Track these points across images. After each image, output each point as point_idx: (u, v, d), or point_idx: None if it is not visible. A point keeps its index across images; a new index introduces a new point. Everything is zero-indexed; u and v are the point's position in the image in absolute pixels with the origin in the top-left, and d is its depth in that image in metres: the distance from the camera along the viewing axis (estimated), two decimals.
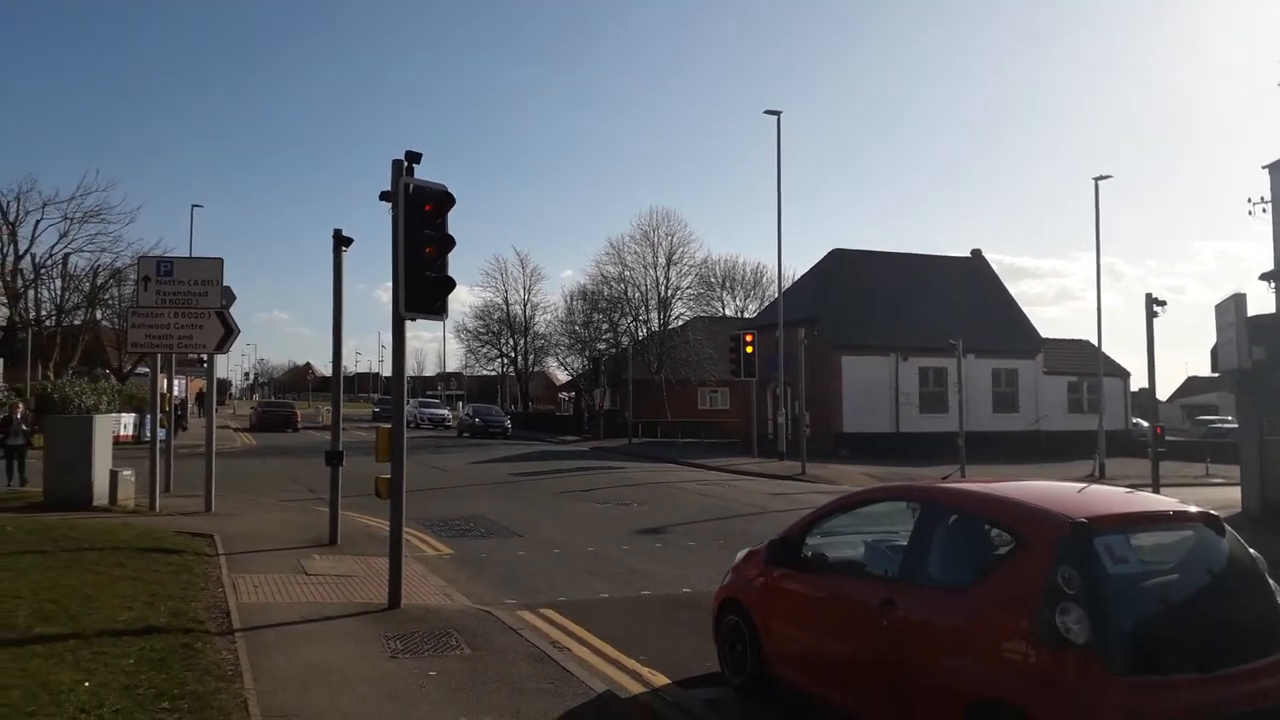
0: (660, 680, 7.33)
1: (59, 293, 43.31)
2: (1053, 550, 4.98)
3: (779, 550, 6.91)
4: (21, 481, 18.19)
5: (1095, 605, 4.74)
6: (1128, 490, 6.61)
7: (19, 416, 19.21)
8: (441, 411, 62.47)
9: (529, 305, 64.61)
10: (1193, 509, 5.53)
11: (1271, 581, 5.33)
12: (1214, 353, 20.05)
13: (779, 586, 6.86)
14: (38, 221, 40.48)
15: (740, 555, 7.64)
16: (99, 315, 45.53)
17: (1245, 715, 4.82)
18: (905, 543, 6.02)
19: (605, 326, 57.38)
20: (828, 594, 6.44)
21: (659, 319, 56.50)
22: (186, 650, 7.14)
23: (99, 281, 43.54)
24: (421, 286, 9.16)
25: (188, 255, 30.62)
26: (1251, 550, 5.44)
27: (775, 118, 32.11)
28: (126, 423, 35.36)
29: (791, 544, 6.84)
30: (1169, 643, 4.92)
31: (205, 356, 18.86)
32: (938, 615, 5.46)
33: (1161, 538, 5.51)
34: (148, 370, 24.11)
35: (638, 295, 56.61)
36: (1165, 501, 5.92)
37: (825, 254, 44.28)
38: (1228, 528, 5.45)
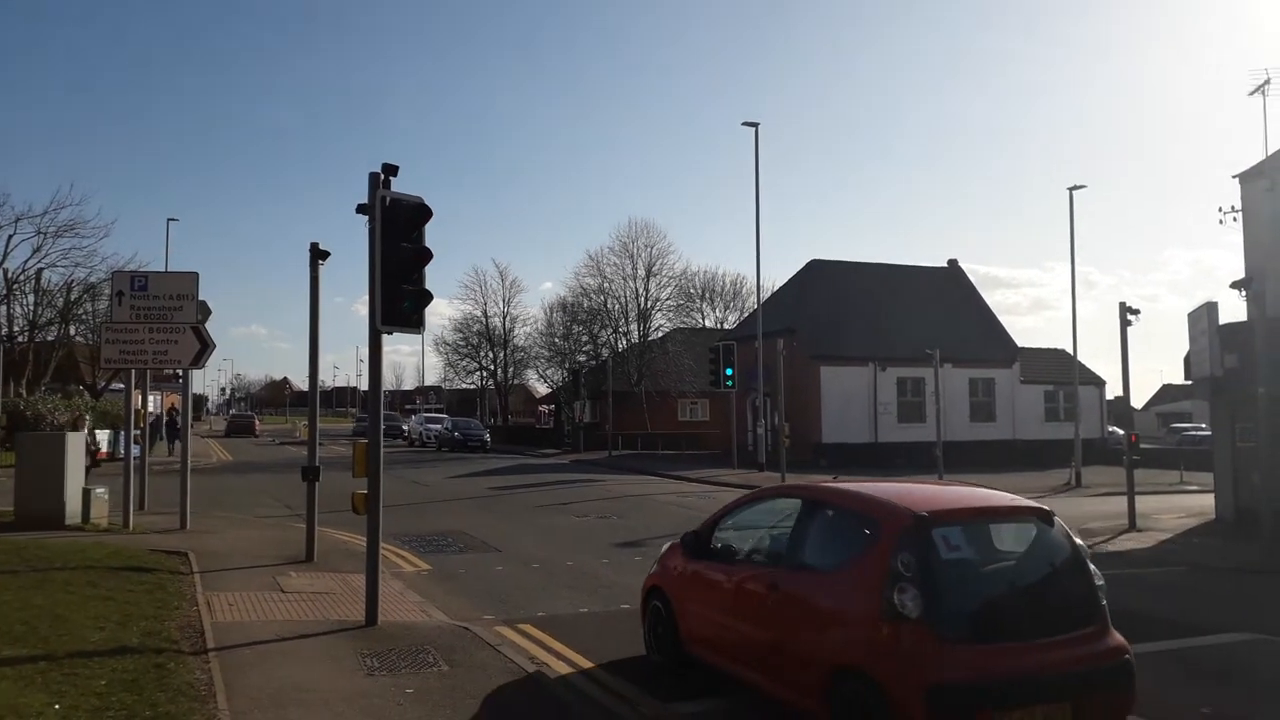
0: (639, 695, 7.30)
1: (31, 308, 42.77)
2: (896, 539, 5.83)
3: (692, 543, 7.88)
4: None
5: (927, 585, 5.60)
6: (981, 489, 7.30)
7: None
8: (435, 426, 53.82)
9: (508, 318, 64.62)
10: (1027, 504, 6.48)
11: (1092, 566, 6.20)
12: (1187, 361, 20.27)
13: (692, 575, 7.76)
14: (10, 236, 39.88)
15: (665, 547, 8.66)
16: (73, 331, 45.00)
17: (1062, 676, 5.62)
18: (790, 534, 6.89)
19: (585, 338, 57.40)
20: (730, 580, 7.26)
21: (639, 331, 56.59)
22: (159, 670, 7.04)
23: (73, 297, 43.04)
24: (399, 300, 9.11)
25: (163, 270, 30.45)
26: (1078, 540, 6.32)
27: (753, 129, 32.33)
28: (100, 439, 34.94)
29: (703, 537, 7.81)
30: (993, 616, 5.85)
31: (180, 372, 18.70)
32: (810, 595, 6.34)
33: (1000, 529, 6.41)
34: (122, 386, 23.84)
35: (617, 307, 56.72)
36: (1004, 498, 6.72)
37: (804, 265, 44.56)
38: (1058, 520, 6.30)
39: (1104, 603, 6.11)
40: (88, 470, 17.07)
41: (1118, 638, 6.06)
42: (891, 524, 5.99)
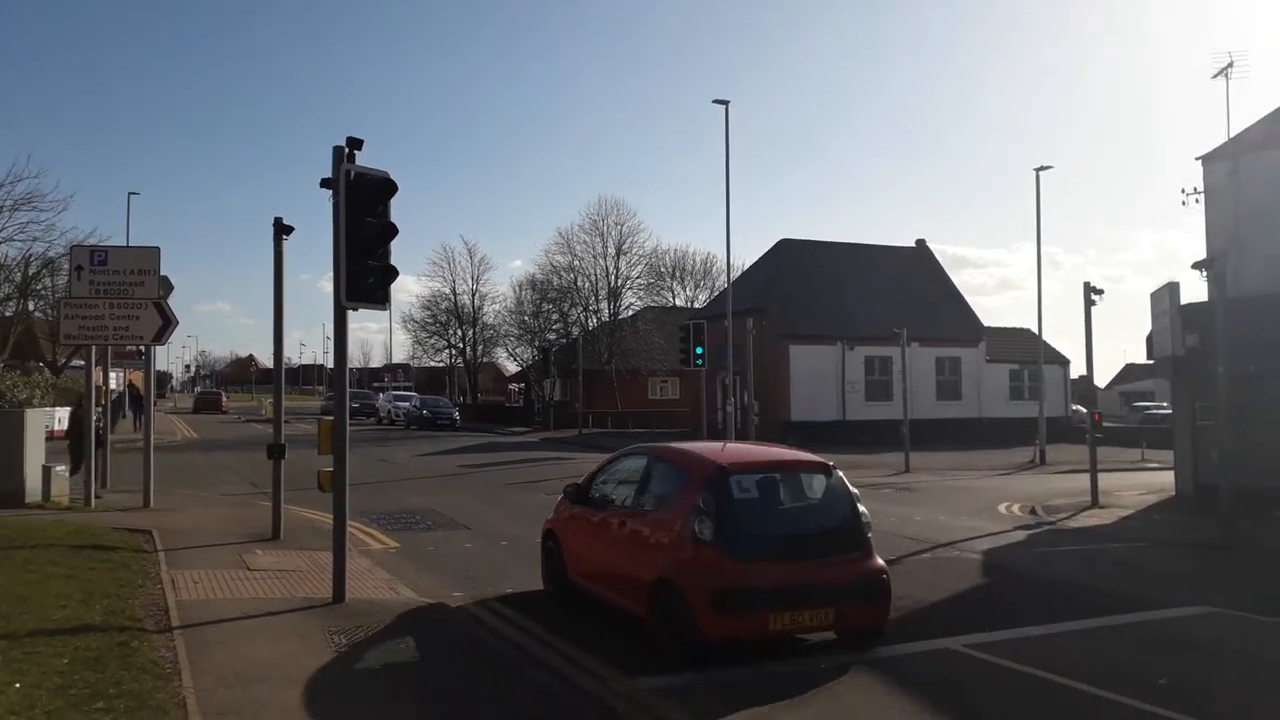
0: (607, 671, 7.32)
1: None
2: (701, 484, 7.77)
3: (574, 493, 9.72)
4: None
5: (720, 518, 7.49)
6: (782, 449, 9.46)
7: None
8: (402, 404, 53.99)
9: (477, 295, 64.08)
10: (812, 458, 8.47)
11: (861, 507, 8.06)
12: (1149, 340, 20.55)
13: (574, 519, 9.55)
14: None
15: (559, 497, 10.28)
16: (31, 306, 44.16)
17: (827, 587, 7.52)
18: (637, 483, 8.78)
19: (555, 317, 57.20)
20: (598, 521, 9.07)
21: (609, 309, 56.50)
22: (123, 649, 6.96)
23: (31, 271, 42.19)
24: (364, 276, 9.02)
25: (124, 244, 29.89)
26: (851, 487, 8.19)
27: (723, 107, 32.16)
28: (60, 417, 34.42)
29: (583, 488, 9.63)
30: (773, 541, 7.82)
31: (143, 348, 18.41)
32: (644, 529, 8.24)
33: (791, 477, 8.27)
34: (83, 363, 23.44)
35: (587, 285, 56.56)
36: (795, 454, 8.74)
37: (773, 244, 44.63)
38: (837, 472, 8.20)
39: (869, 535, 8.02)
40: (101, 453, 16.28)
41: (879, 562, 7.90)
42: (699, 473, 8.01)
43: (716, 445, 9.60)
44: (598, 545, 8.98)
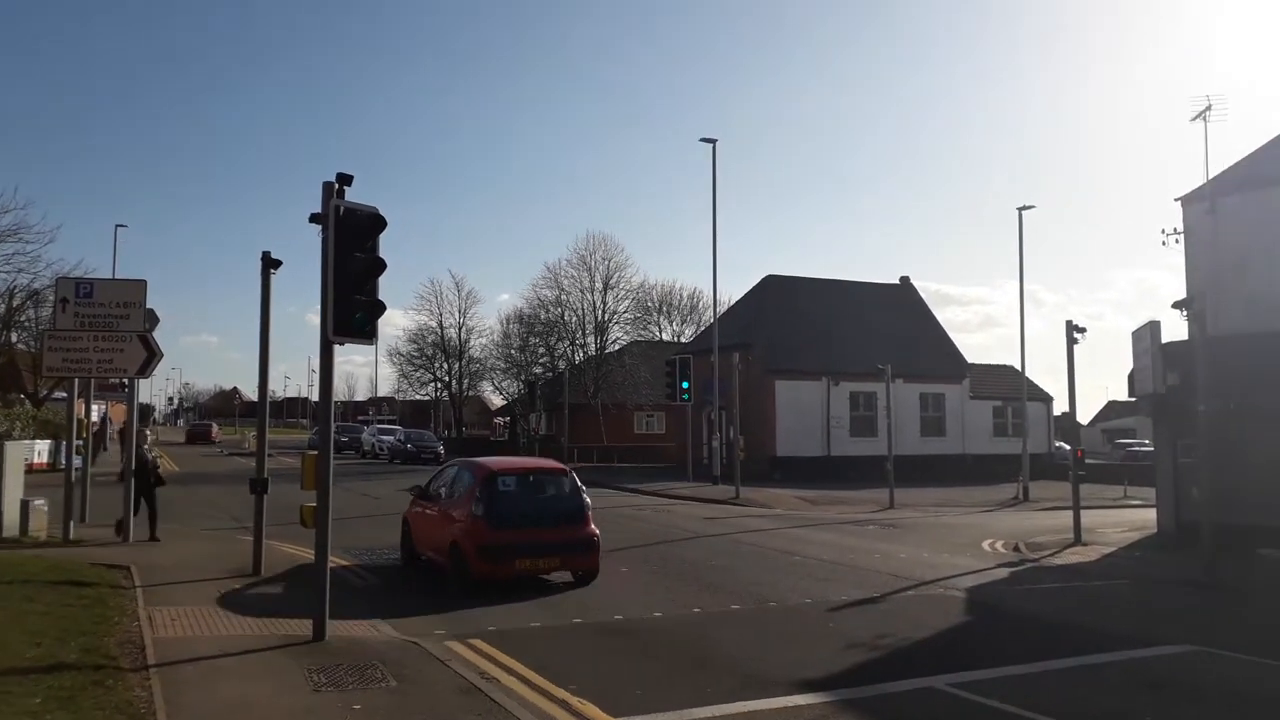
0: (590, 709, 7.26)
1: None
2: (480, 482, 12.51)
3: (418, 492, 14.49)
4: None
5: (488, 502, 12.21)
6: (536, 459, 16.33)
7: None
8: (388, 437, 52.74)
9: (464, 329, 63.98)
10: (553, 465, 14.23)
11: (585, 497, 13.07)
12: (1131, 378, 20.70)
13: (417, 510, 14.26)
14: None
15: (411, 494, 14.87)
16: (14, 338, 43.88)
17: (555, 544, 12.33)
18: (449, 483, 13.62)
19: (542, 350, 57.19)
20: (431, 511, 13.65)
21: (596, 343, 56.55)
22: (97, 688, 6.86)
23: (15, 303, 41.97)
24: (351, 310, 9.02)
25: (110, 277, 29.81)
26: (579, 482, 13.27)
27: (711, 145, 32.50)
28: (41, 450, 34.09)
29: (424, 488, 14.34)
30: (521, 516, 12.40)
31: (126, 381, 18.30)
32: (448, 511, 12.88)
33: (538, 476, 13.51)
34: (65, 395, 23.25)
35: (574, 319, 56.63)
36: (543, 462, 14.87)
37: (759, 280, 44.88)
38: (571, 474, 13.33)
39: (589, 512, 12.92)
40: (153, 489, 15.92)
41: (592, 529, 12.79)
42: (479, 474, 12.81)
43: (494, 459, 15.07)
44: (430, 527, 13.51)
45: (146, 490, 15.83)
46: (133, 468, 15.77)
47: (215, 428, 79.72)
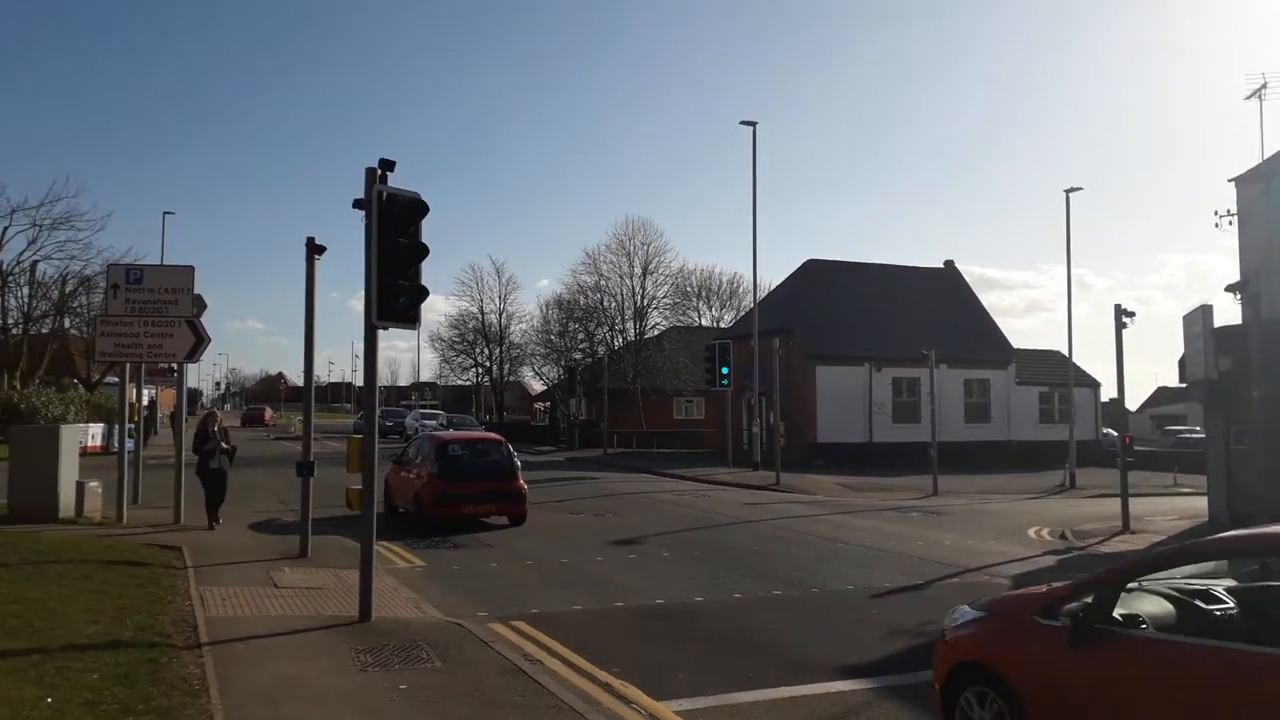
0: (633, 692, 7.30)
1: (26, 300, 42.70)
2: (435, 449, 17.31)
3: (397, 458, 18.55)
4: None
5: (441, 464, 16.86)
6: (483, 432, 24.69)
7: None
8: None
9: (504, 314, 64.36)
10: (493, 436, 19.48)
11: (516, 460, 17.79)
12: (1182, 364, 20.30)
13: (397, 473, 18.21)
14: (5, 228, 39.83)
15: (387, 469, 17.51)
16: (67, 324, 44.93)
17: (492, 493, 16.95)
18: (418, 451, 18.14)
19: (581, 336, 57.31)
20: (404, 473, 17.83)
21: (635, 329, 56.53)
22: (152, 665, 7.03)
23: (67, 289, 42.98)
24: (395, 295, 9.11)
25: (159, 263, 30.36)
26: (511, 449, 18.00)
27: (751, 128, 32.30)
28: (94, 433, 34.91)
29: (400, 457, 18.59)
30: (466, 472, 17.02)
31: (175, 366, 18.66)
32: (415, 473, 17.32)
33: (482, 445, 18.62)
34: (117, 380, 23.77)
35: (614, 305, 56.64)
36: (484, 434, 21.86)
37: (800, 265, 44.56)
38: (505, 443, 18.22)
39: (519, 471, 17.51)
40: (224, 476, 15.55)
41: (521, 483, 17.23)
42: (434, 444, 17.59)
43: (446, 433, 21.29)
44: (402, 483, 17.82)
45: (217, 477, 15.44)
46: (225, 449, 15.55)
47: (269, 411, 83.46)
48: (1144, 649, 4.67)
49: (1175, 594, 5.03)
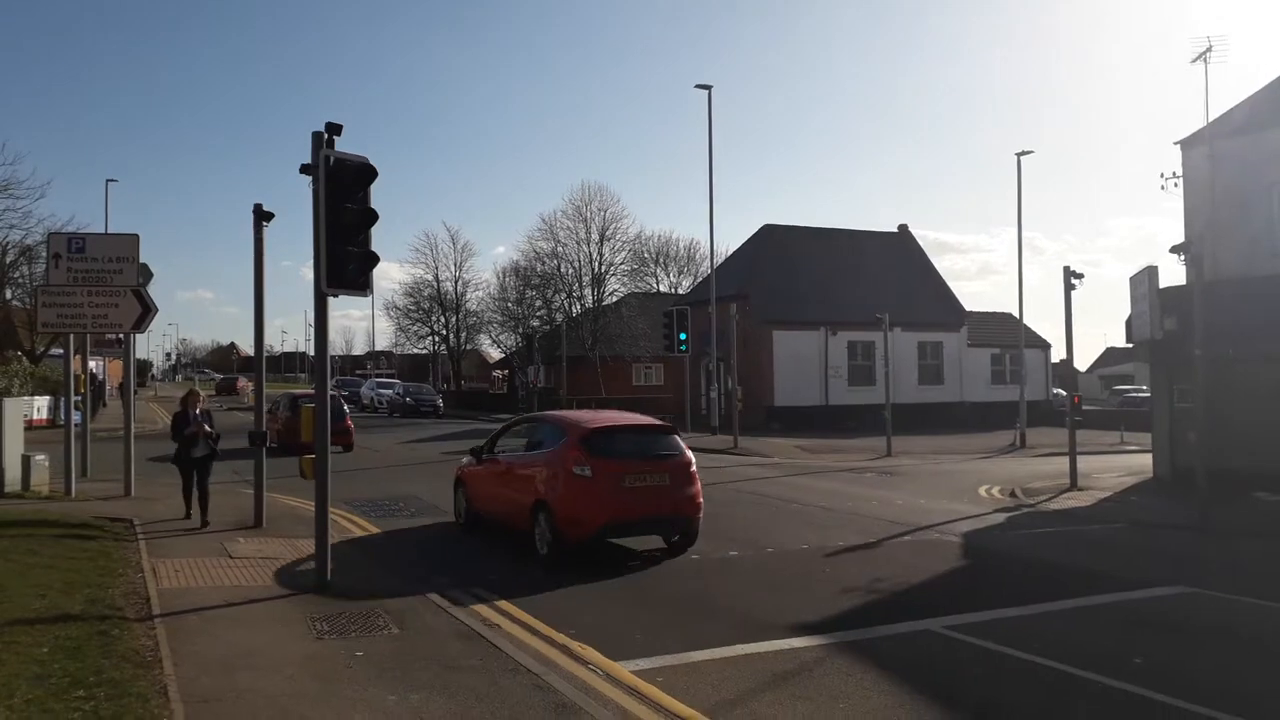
0: (590, 653, 7.36)
1: None
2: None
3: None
4: None
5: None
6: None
7: None
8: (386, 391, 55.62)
9: (460, 282, 63.80)
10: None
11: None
12: (1128, 324, 20.71)
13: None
14: None
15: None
16: (9, 295, 43.72)
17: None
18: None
19: (539, 303, 56.97)
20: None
21: (593, 295, 56.25)
22: (103, 637, 6.95)
23: (7, 259, 41.75)
24: (344, 262, 8.99)
25: (102, 232, 29.59)
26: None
27: (706, 92, 32.14)
28: (40, 406, 34.19)
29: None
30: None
31: (122, 336, 18.29)
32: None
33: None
34: (62, 351, 23.23)
35: (571, 271, 56.25)
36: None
37: (757, 230, 44.66)
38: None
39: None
40: (208, 465, 13.12)
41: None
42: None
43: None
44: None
45: (201, 467, 13.07)
46: (209, 434, 13.10)
47: (243, 380, 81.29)
48: (490, 462, 12.73)
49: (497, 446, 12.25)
